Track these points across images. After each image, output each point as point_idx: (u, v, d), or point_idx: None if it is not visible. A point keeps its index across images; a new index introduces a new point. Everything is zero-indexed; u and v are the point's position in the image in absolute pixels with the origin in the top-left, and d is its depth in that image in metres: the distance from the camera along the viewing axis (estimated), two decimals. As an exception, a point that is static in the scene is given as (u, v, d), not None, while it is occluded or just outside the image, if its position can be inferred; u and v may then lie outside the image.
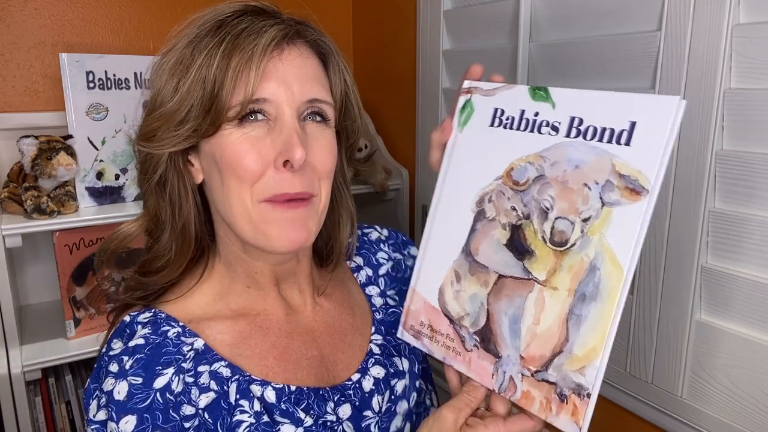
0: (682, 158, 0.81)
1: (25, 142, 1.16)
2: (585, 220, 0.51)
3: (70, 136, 1.20)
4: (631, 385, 0.92)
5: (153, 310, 0.62)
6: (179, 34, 0.60)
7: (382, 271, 0.79)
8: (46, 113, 1.32)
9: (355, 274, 0.78)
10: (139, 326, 0.60)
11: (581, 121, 0.53)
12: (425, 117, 1.38)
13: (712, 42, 0.75)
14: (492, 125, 0.60)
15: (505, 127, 0.58)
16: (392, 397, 0.69)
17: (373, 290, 0.77)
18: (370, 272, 0.79)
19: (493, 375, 0.55)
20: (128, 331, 0.60)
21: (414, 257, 0.81)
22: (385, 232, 0.84)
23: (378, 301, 0.76)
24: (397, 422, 0.69)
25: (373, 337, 0.72)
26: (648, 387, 0.90)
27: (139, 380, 0.55)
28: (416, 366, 0.74)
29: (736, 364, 0.79)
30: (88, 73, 1.21)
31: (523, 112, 0.57)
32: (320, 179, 0.61)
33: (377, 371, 0.69)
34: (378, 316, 0.74)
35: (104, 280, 1.26)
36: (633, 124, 0.49)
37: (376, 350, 0.71)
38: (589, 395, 0.49)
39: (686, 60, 0.78)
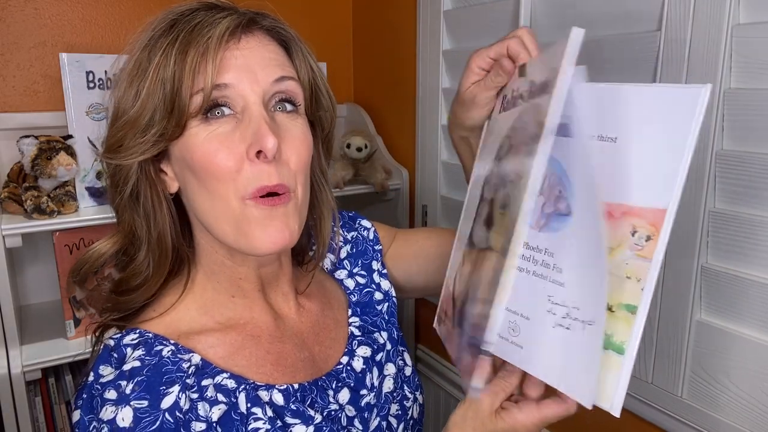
0: (682, 158, 0.81)
1: (25, 142, 1.16)
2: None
3: (70, 136, 1.20)
4: (631, 385, 0.91)
5: (138, 330, 0.59)
6: (135, 40, 0.59)
7: (343, 254, 0.80)
8: (46, 113, 1.32)
9: (321, 264, 0.78)
10: (129, 349, 0.57)
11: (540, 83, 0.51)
12: (425, 117, 1.38)
13: (712, 42, 0.75)
14: (502, 109, 0.60)
15: (510, 107, 0.58)
16: (381, 368, 0.72)
17: (342, 273, 0.78)
18: (332, 257, 0.79)
19: (461, 346, 0.57)
20: (116, 355, 0.57)
21: (366, 228, 0.83)
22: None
23: (350, 284, 0.78)
24: (388, 385, 0.71)
25: (351, 320, 0.74)
26: (648, 387, 0.90)
27: (144, 403, 0.53)
28: (394, 332, 0.77)
29: (736, 364, 0.79)
30: (88, 73, 1.21)
31: (514, 90, 0.57)
32: (296, 174, 0.59)
33: (363, 351, 0.71)
34: (353, 299, 0.76)
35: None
36: (554, 71, 0.48)
37: (357, 332, 0.73)
38: (486, 351, 0.52)
39: (686, 60, 0.78)
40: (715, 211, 0.79)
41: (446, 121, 1.33)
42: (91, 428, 0.53)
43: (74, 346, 1.21)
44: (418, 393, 0.77)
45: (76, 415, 0.56)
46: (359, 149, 1.40)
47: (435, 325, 0.67)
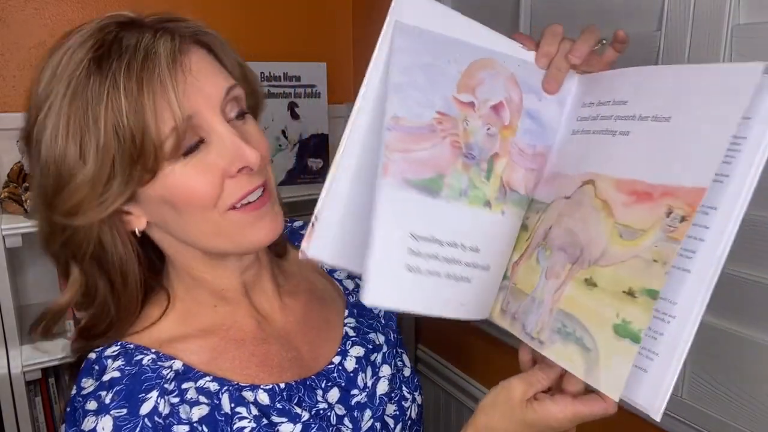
0: (682, 158, 0.81)
1: (25, 142, 1.15)
2: None
3: (70, 136, 1.20)
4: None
5: (119, 343, 0.59)
6: (45, 92, 0.53)
7: None
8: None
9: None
10: (109, 360, 0.57)
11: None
12: (425, 117, 1.38)
13: (712, 42, 0.75)
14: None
15: None
16: (375, 369, 0.71)
17: (341, 273, 0.78)
18: None
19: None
20: (97, 367, 0.57)
21: None
22: None
23: (349, 284, 0.77)
24: (383, 387, 0.70)
25: (346, 321, 0.73)
26: (648, 387, 0.90)
27: (124, 411, 0.53)
28: (391, 335, 0.76)
29: (736, 364, 0.79)
30: (88, 73, 1.21)
31: None
32: (266, 167, 0.59)
33: (357, 351, 0.70)
34: (352, 300, 0.75)
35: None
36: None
37: (351, 333, 0.72)
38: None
39: (686, 60, 0.78)
40: (715, 211, 0.79)
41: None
42: None
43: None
44: (416, 393, 0.76)
45: (62, 430, 0.56)
46: (359, 149, 1.40)
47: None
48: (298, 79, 1.45)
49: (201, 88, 0.54)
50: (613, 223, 0.50)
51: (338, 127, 1.64)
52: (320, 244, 0.53)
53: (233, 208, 0.56)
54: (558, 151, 0.59)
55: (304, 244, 0.53)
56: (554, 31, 0.59)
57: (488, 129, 0.56)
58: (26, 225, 1.11)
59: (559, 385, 0.54)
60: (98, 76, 0.51)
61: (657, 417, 0.47)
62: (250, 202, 0.57)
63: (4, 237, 1.09)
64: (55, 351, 1.19)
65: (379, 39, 0.53)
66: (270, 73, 1.41)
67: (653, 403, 0.47)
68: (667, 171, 0.48)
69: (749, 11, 0.74)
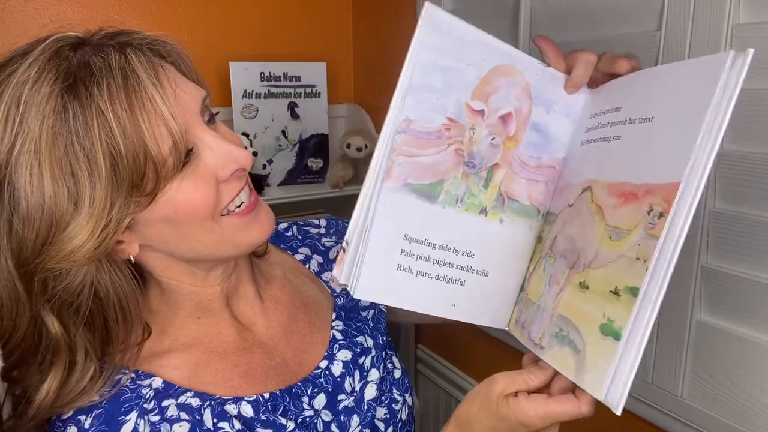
0: (682, 158, 0.81)
1: (25, 142, 1.15)
2: None
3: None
4: (632, 384, 0.92)
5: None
6: (10, 140, 0.47)
7: (332, 254, 0.80)
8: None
9: (306, 265, 0.78)
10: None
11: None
12: (425, 117, 1.38)
13: (712, 42, 0.75)
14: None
15: None
16: (363, 373, 0.70)
17: (329, 276, 0.77)
18: (320, 259, 0.79)
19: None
20: None
21: None
22: (324, 222, 0.84)
23: (337, 287, 0.77)
24: (371, 392, 0.69)
25: (334, 324, 0.72)
26: (648, 387, 0.90)
27: None
28: (380, 338, 0.75)
29: (736, 364, 0.79)
30: (88, 73, 1.21)
31: None
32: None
33: (344, 355, 0.69)
34: (339, 302, 0.75)
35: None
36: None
37: (339, 336, 0.71)
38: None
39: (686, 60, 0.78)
40: (715, 211, 0.79)
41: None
42: None
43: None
44: (407, 395, 0.75)
45: None
46: (359, 149, 1.40)
47: None
48: (298, 79, 1.45)
49: (180, 99, 0.52)
50: (604, 226, 0.50)
51: (338, 127, 1.64)
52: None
53: (228, 213, 0.56)
54: (568, 162, 0.60)
55: (336, 272, 0.55)
56: (588, 60, 0.58)
57: (493, 139, 0.58)
58: (26, 225, 1.11)
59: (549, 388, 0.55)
60: (77, 107, 0.47)
61: (617, 411, 0.46)
62: (240, 205, 0.57)
63: (4, 237, 1.09)
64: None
65: (413, 40, 0.54)
66: (270, 73, 1.41)
67: (614, 398, 0.46)
68: (649, 170, 0.48)
69: (749, 11, 0.74)
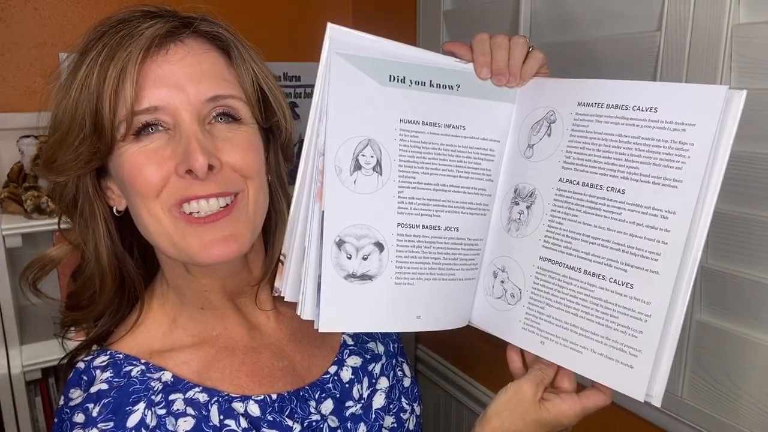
0: (682, 158, 0.81)
1: (25, 142, 1.16)
2: None
3: (70, 136, 1.20)
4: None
5: (109, 352, 0.58)
6: (75, 47, 0.55)
7: None
8: (46, 113, 1.32)
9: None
10: (98, 371, 0.56)
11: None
12: (425, 117, 1.38)
13: (712, 42, 0.75)
14: None
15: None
16: (372, 380, 0.69)
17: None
18: None
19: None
20: (85, 378, 0.56)
21: None
22: None
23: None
24: (379, 400, 0.69)
25: None
26: (648, 387, 0.90)
27: (110, 425, 0.52)
28: (391, 345, 0.74)
29: (736, 364, 0.79)
30: (88, 73, 1.21)
31: None
32: (246, 178, 0.56)
33: (354, 361, 0.69)
34: None
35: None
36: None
37: (350, 341, 0.71)
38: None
39: (686, 60, 0.78)
40: (715, 211, 0.79)
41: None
42: None
43: (75, 346, 1.21)
44: (416, 404, 0.75)
45: None
46: (359, 149, 1.40)
47: None
48: (298, 79, 1.45)
49: (178, 83, 0.53)
50: None
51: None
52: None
53: (189, 214, 0.54)
54: None
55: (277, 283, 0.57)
56: (481, 39, 0.59)
57: None
58: (26, 225, 1.11)
59: (552, 383, 0.58)
60: (94, 47, 0.53)
61: (657, 403, 0.51)
62: (204, 214, 0.54)
63: (4, 237, 1.09)
64: (56, 351, 1.18)
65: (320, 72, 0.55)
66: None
67: (650, 392, 0.51)
68: None
69: (749, 11, 0.74)
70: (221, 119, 0.56)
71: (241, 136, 0.57)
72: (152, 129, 0.54)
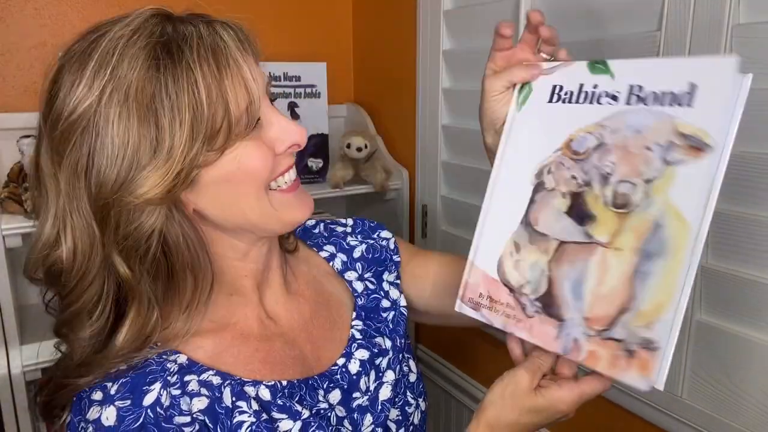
0: (682, 158, 0.81)
1: (25, 142, 1.16)
2: (647, 181, 0.52)
3: (70, 136, 1.20)
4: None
5: None
6: (100, 82, 0.52)
7: (357, 254, 0.80)
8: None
9: (330, 263, 0.79)
10: None
11: (641, 88, 0.55)
12: (425, 117, 1.38)
13: (712, 42, 0.75)
14: (551, 101, 0.61)
15: (564, 102, 0.60)
16: (379, 373, 0.71)
17: (351, 275, 0.78)
18: (344, 257, 0.80)
19: (556, 338, 0.56)
20: None
21: (386, 239, 0.83)
22: (350, 221, 0.85)
23: (358, 286, 0.78)
24: (385, 392, 0.70)
25: (353, 323, 0.74)
26: (648, 387, 0.90)
27: (128, 402, 0.54)
28: (398, 341, 0.76)
29: (736, 364, 0.79)
30: (88, 73, 1.21)
31: (581, 85, 0.59)
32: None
33: (362, 354, 0.71)
34: (360, 302, 0.76)
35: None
36: (693, 86, 0.51)
37: (358, 335, 0.72)
38: (657, 348, 0.50)
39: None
40: (715, 211, 0.79)
41: (446, 120, 1.33)
42: (79, 428, 0.55)
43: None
44: (421, 399, 0.76)
45: (68, 418, 0.58)
46: (359, 149, 1.40)
47: (465, 307, 0.64)
48: (298, 79, 1.45)
49: (254, 74, 0.57)
50: None
51: (338, 127, 1.64)
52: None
53: (276, 189, 0.60)
54: None
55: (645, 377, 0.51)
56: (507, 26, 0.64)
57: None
58: (26, 225, 1.11)
59: (552, 370, 0.59)
60: (168, 61, 0.52)
61: (661, 387, 0.50)
62: (288, 184, 0.62)
63: (4, 237, 1.09)
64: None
65: None
66: (270, 73, 1.41)
67: (651, 383, 0.50)
68: None
69: (749, 11, 0.74)
70: (271, 101, 0.62)
71: (282, 111, 0.63)
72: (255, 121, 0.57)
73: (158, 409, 0.55)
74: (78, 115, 0.52)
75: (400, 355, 0.75)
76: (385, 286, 0.80)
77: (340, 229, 0.84)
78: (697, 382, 0.84)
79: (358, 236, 0.83)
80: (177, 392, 0.56)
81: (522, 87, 0.64)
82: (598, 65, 0.58)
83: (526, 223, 0.61)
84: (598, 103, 0.57)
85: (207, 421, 0.56)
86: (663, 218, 0.51)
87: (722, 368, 0.80)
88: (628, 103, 0.55)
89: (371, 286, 0.78)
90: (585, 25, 0.96)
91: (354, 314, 0.74)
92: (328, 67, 1.48)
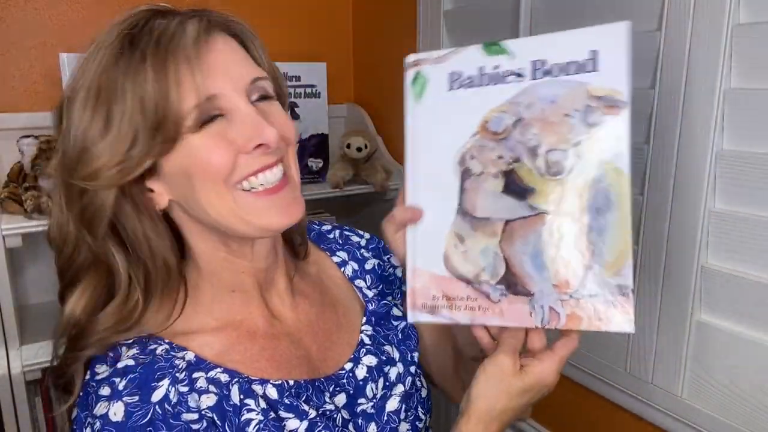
0: (682, 158, 0.80)
1: (25, 142, 1.16)
2: (576, 145, 0.54)
3: (70, 136, 1.20)
4: (631, 385, 0.92)
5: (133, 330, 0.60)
6: (81, 68, 0.56)
7: (368, 266, 0.80)
8: (46, 113, 1.31)
9: (342, 269, 0.78)
10: (124, 348, 0.59)
11: (543, 62, 0.56)
12: (425, 117, 1.38)
13: (712, 42, 0.75)
14: (451, 89, 0.60)
15: (466, 87, 0.59)
16: (386, 383, 0.70)
17: (362, 283, 0.78)
18: (356, 266, 0.79)
19: (530, 313, 0.56)
20: (111, 354, 0.58)
21: (394, 266, 0.82)
22: (367, 235, 0.85)
23: (369, 293, 0.77)
24: (392, 404, 0.70)
25: (363, 328, 0.73)
26: (648, 387, 0.90)
27: (135, 398, 0.54)
28: (409, 355, 0.74)
29: (736, 364, 0.79)
30: (88, 73, 1.21)
31: (481, 68, 0.59)
32: (288, 145, 0.61)
33: (369, 360, 0.70)
34: (371, 307, 0.75)
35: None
36: (595, 52, 0.55)
37: (367, 341, 0.72)
38: (633, 291, 0.53)
39: (686, 60, 0.78)
40: (715, 211, 0.79)
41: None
42: (86, 424, 0.55)
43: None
44: (428, 415, 0.76)
45: (75, 413, 0.57)
46: (359, 149, 1.40)
47: (419, 314, 0.62)
48: (298, 79, 1.45)
49: (227, 70, 0.57)
50: None
51: (338, 127, 1.64)
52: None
53: (249, 189, 0.58)
54: None
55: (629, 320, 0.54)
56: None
57: None
58: (26, 225, 1.11)
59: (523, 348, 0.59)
60: (129, 51, 0.54)
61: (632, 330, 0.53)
62: (266, 186, 0.58)
63: (4, 237, 1.09)
64: (55, 351, 1.18)
65: None
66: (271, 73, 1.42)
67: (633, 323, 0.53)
68: None
69: (749, 11, 0.74)
70: (260, 99, 0.60)
71: (278, 109, 0.62)
72: (213, 116, 0.56)
73: (166, 406, 0.55)
74: (66, 94, 0.58)
75: (412, 368, 0.74)
76: (390, 300, 0.79)
77: (355, 239, 0.83)
78: (697, 382, 0.84)
79: (370, 252, 0.82)
80: (185, 389, 0.56)
81: (415, 79, 0.63)
82: (494, 47, 0.58)
83: (464, 212, 0.59)
84: (504, 82, 0.57)
85: (215, 418, 0.56)
86: (600, 174, 0.53)
87: (722, 368, 0.80)
88: (534, 78, 0.56)
89: (380, 294, 0.78)
90: (585, 25, 0.95)
91: (364, 319, 0.73)
92: (328, 67, 1.49)
